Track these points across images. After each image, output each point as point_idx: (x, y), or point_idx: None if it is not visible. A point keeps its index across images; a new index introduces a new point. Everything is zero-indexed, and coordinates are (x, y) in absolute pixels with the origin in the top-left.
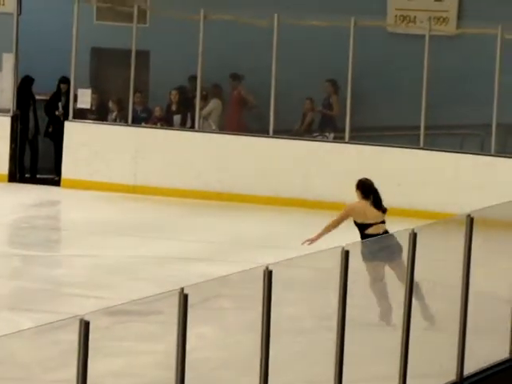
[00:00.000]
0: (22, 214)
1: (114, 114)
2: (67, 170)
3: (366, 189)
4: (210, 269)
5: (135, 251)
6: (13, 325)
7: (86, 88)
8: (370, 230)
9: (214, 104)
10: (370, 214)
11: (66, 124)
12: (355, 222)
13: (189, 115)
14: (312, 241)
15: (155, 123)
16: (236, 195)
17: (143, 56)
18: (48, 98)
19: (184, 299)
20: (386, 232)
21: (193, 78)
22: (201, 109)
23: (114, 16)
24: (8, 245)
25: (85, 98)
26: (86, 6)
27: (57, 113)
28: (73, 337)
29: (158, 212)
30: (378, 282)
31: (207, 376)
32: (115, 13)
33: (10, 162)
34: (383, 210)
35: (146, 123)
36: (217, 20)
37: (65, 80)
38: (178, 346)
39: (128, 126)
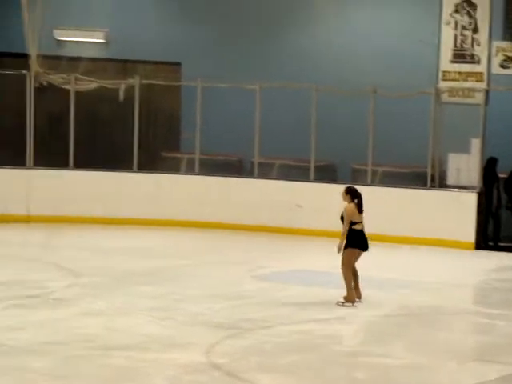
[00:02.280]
0: (484, 276)
1: None
2: None
3: (354, 194)
4: None
5: None
6: (479, 375)
7: None
8: (356, 226)
9: None
10: (357, 214)
11: None
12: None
13: None
14: (340, 248)
15: None
16: None
17: None
18: (508, 176)
19: None
20: (363, 229)
21: None
22: None
23: None
24: (472, 303)
25: None
26: None
27: None
28: None
29: None
30: (351, 267)
31: None
32: None
33: (476, 232)
34: (362, 212)
35: None
36: None
37: None
38: None
39: None
